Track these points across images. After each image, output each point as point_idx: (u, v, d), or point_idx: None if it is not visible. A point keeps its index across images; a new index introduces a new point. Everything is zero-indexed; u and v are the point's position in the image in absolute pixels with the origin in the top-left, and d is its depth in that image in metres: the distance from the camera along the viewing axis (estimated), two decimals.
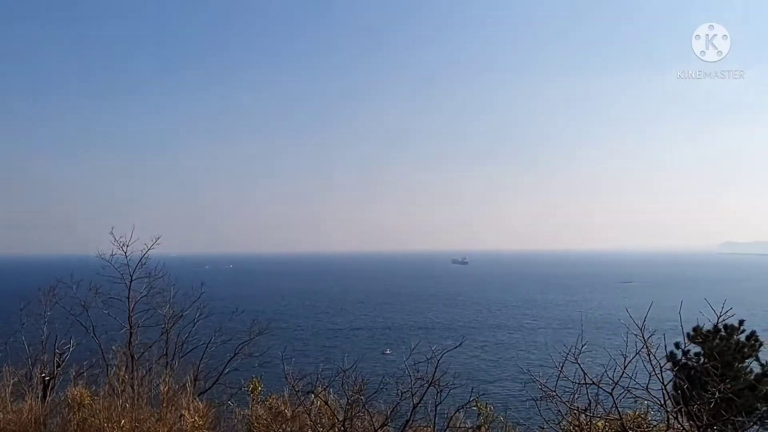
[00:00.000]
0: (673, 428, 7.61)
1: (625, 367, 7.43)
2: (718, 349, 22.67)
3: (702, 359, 22.90)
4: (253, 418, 11.71)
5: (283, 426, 10.94)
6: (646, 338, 7.38)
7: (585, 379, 7.47)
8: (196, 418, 11.60)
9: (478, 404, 11.09)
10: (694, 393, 23.43)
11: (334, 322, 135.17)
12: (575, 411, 7.77)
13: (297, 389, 11.13)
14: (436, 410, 9.03)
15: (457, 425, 11.32)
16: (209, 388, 14.60)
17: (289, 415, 11.32)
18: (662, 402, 7.22)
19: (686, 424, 8.08)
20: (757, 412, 22.75)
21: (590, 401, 7.69)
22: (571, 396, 7.81)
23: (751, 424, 22.94)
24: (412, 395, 8.82)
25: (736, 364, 22.35)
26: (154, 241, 15.58)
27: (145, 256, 15.50)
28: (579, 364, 7.61)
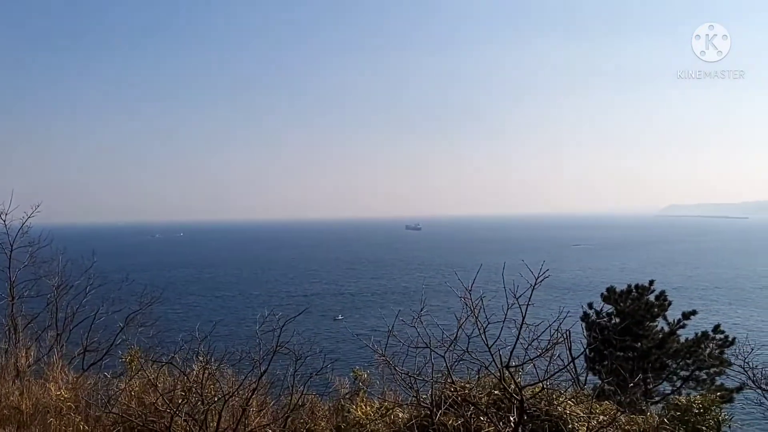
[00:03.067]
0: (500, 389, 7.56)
1: (457, 331, 7.33)
2: (630, 309, 23.23)
3: (613, 318, 23.49)
4: (126, 390, 11.36)
5: (154, 398, 10.60)
6: (473, 301, 7.27)
7: (417, 343, 7.36)
8: (62, 391, 11.20)
9: (355, 370, 11.03)
10: (606, 352, 24.08)
11: (285, 290, 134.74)
12: (404, 375, 7.69)
13: (179, 360, 10.82)
14: (293, 380, 8.86)
15: (339, 391, 11.22)
16: (99, 360, 14.15)
17: (160, 387, 10.96)
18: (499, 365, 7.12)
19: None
20: (668, 369, 23.45)
21: (425, 365, 7.60)
22: (403, 359, 7.75)
23: (662, 380, 23.67)
24: (258, 362, 8.61)
25: (647, 323, 22.91)
26: (34, 209, 14.93)
27: (26, 224, 14.83)
28: (415, 328, 7.50)
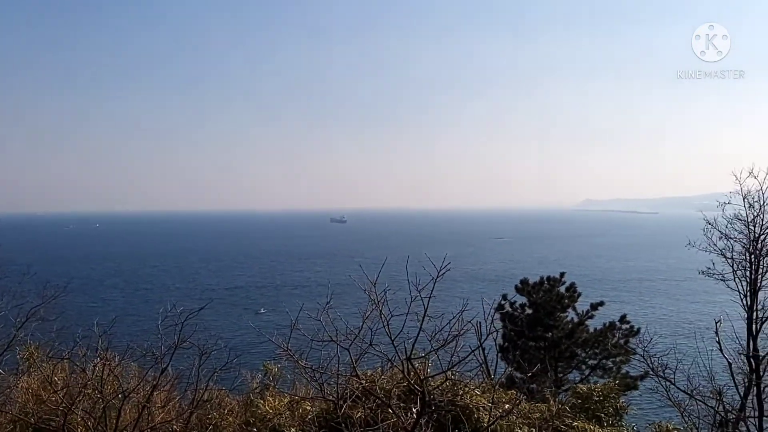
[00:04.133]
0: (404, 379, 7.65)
1: (362, 324, 7.36)
2: (542, 300, 23.92)
3: (526, 310, 24.14)
4: (23, 388, 10.87)
5: (54, 396, 10.18)
6: (377, 294, 7.31)
7: (323, 336, 7.34)
8: None
9: (265, 365, 10.94)
10: (519, 342, 24.69)
11: (207, 283, 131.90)
12: (308, 369, 7.68)
13: (82, 354, 10.43)
14: (198, 374, 8.67)
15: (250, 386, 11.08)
16: None
17: (60, 384, 10.55)
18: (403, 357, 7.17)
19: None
20: (577, 358, 24.31)
21: (331, 359, 7.60)
22: (308, 353, 7.73)
23: (571, 369, 24.51)
24: (160, 358, 8.39)
25: (557, 314, 23.65)
26: None
27: None
28: (321, 321, 7.47)
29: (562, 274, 24.24)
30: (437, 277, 7.11)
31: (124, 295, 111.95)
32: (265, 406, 9.39)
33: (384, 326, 7.13)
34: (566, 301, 23.60)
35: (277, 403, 9.61)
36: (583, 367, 23.72)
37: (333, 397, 7.85)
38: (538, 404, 10.75)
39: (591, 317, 23.64)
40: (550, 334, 23.38)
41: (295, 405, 9.31)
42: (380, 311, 7.19)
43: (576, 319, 23.52)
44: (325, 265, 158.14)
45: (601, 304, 24.03)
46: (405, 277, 7.51)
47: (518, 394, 10.39)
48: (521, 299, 24.41)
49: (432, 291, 7.20)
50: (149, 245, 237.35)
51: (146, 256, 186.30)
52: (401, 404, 7.92)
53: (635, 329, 23.13)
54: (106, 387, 9.78)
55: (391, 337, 7.05)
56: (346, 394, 7.84)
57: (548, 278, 24.10)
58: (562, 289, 23.75)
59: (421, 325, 7.03)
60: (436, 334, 7.56)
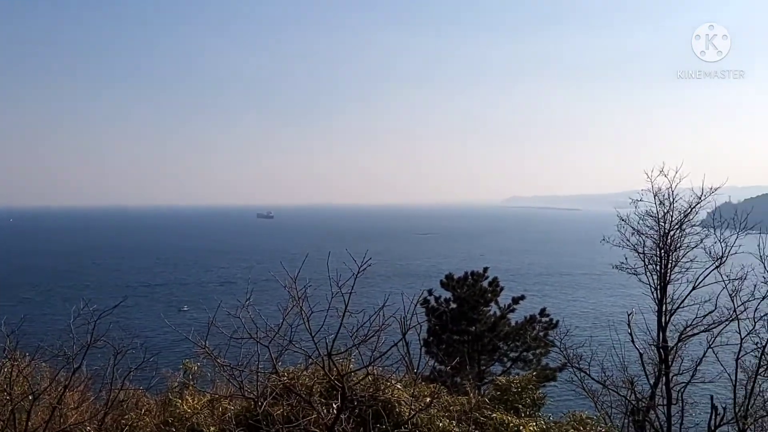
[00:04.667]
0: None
1: (282, 321, 7.30)
2: (466, 295, 24.34)
3: (451, 304, 24.52)
4: None
5: None
6: (298, 291, 7.27)
7: (243, 334, 7.25)
8: None
9: (185, 363, 10.72)
10: (443, 336, 25.01)
11: (128, 280, 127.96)
12: (227, 366, 7.58)
13: None
14: (114, 374, 8.40)
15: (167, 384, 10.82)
16: None
17: None
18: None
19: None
20: (500, 350, 24.87)
21: (252, 356, 7.51)
22: (224, 351, 7.64)
23: (494, 361, 25.06)
24: (72, 358, 8.09)
25: (481, 308, 24.12)
26: None
27: None
28: (240, 318, 7.36)
29: (485, 269, 24.75)
30: (358, 273, 7.12)
31: (39, 293, 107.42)
32: (183, 406, 9.19)
33: (304, 323, 7.10)
34: (489, 295, 24.10)
35: (196, 402, 9.43)
36: (505, 359, 24.30)
37: (253, 394, 7.76)
38: (459, 397, 10.93)
39: (512, 311, 24.24)
40: (474, 327, 23.84)
41: (214, 404, 9.16)
42: (300, 308, 7.14)
43: (498, 313, 24.06)
44: (252, 261, 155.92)
45: (522, 298, 24.67)
46: (327, 274, 7.49)
47: (439, 387, 10.53)
48: (446, 294, 24.78)
49: (353, 287, 7.21)
50: (69, 241, 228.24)
51: (65, 253, 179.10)
52: (322, 400, 7.91)
53: (554, 322, 23.87)
54: (14, 388, 9.37)
55: (311, 334, 7.02)
56: (266, 391, 7.76)
57: (472, 273, 24.55)
58: (486, 283, 24.25)
59: (342, 320, 7.03)
60: (357, 329, 7.57)
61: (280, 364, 8.12)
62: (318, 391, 8.32)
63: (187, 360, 10.80)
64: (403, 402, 8.73)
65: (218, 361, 7.68)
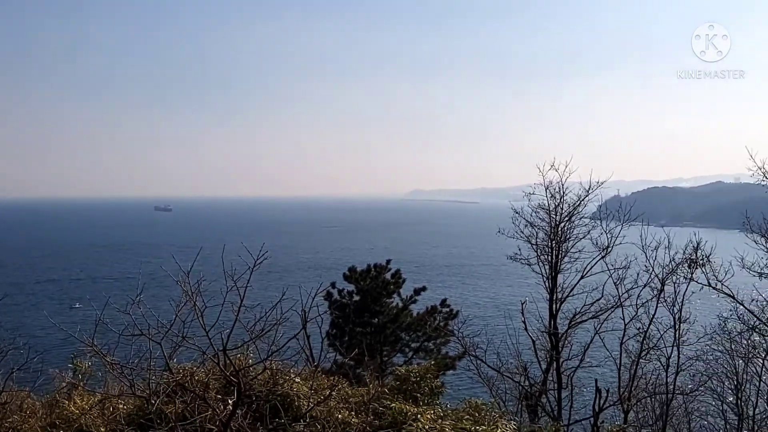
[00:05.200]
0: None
1: (176, 316, 7.11)
2: (369, 287, 24.52)
3: (354, 296, 24.64)
4: None
5: None
6: (191, 285, 7.10)
7: (134, 331, 7.00)
8: None
9: (75, 362, 10.23)
10: (346, 329, 25.09)
11: (16, 276, 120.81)
12: (116, 365, 7.32)
13: None
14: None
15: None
16: None
17: None
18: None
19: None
20: (402, 341, 25.22)
21: (144, 353, 7.29)
22: (114, 349, 7.38)
23: (396, 352, 25.40)
24: None
25: (383, 300, 24.37)
26: None
27: None
28: (131, 315, 7.11)
29: (388, 261, 24.99)
30: (254, 266, 7.02)
31: None
32: (71, 406, 8.76)
33: (198, 318, 6.93)
34: (392, 287, 24.37)
35: (85, 402, 9.00)
36: (407, 349, 24.68)
37: (145, 393, 7.50)
38: (359, 388, 11.00)
39: (414, 302, 24.63)
40: (377, 319, 24.07)
41: (105, 403, 8.78)
42: (194, 303, 6.97)
43: (401, 305, 24.37)
44: (149, 256, 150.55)
45: (424, 289, 25.12)
46: (222, 268, 7.35)
47: (339, 379, 10.55)
48: (350, 287, 24.86)
49: (249, 281, 7.11)
50: None
51: None
52: (218, 397, 7.75)
53: (454, 312, 24.41)
54: None
55: (205, 329, 6.86)
56: (159, 389, 7.53)
57: (375, 265, 24.73)
58: (389, 275, 24.50)
59: (237, 315, 6.91)
60: (254, 324, 7.47)
61: (174, 361, 7.90)
62: (214, 388, 8.14)
63: (77, 359, 10.30)
64: (301, 395, 8.69)
65: (107, 359, 7.38)
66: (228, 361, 7.06)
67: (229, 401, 7.41)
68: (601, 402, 14.67)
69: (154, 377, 7.54)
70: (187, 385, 7.49)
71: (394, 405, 9.32)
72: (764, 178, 14.71)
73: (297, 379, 9.04)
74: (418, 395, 10.64)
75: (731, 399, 18.57)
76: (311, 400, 8.27)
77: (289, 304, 7.72)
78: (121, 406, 8.78)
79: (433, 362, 13.15)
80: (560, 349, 15.83)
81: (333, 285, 24.79)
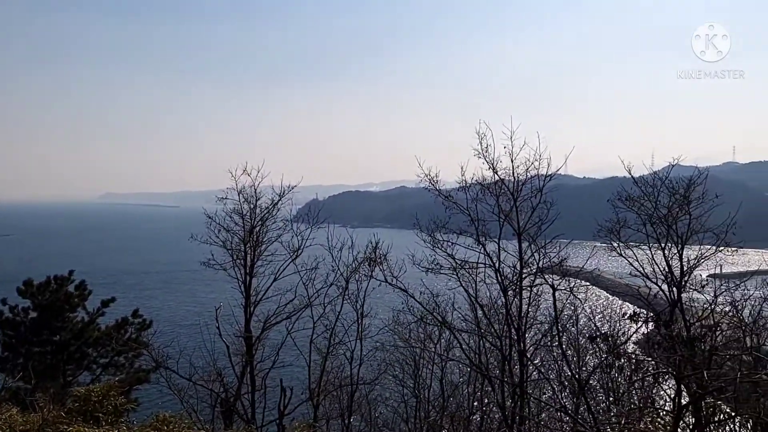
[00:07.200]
0: None
1: None
2: (48, 302, 22.36)
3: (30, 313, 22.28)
4: None
5: None
6: None
7: None
8: None
9: None
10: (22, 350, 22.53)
11: None
12: None
13: None
14: None
15: None
16: None
17: None
18: None
19: None
20: (89, 357, 23.38)
21: None
22: None
23: (82, 370, 23.48)
24: None
25: (66, 314, 22.41)
26: None
27: None
28: None
29: (71, 272, 23.02)
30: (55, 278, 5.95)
31: None
32: None
33: None
34: (76, 300, 22.50)
35: None
36: (95, 366, 22.98)
37: None
38: (32, 415, 10.00)
39: (102, 314, 23.03)
40: (58, 336, 22.02)
41: None
42: None
43: (87, 318, 22.63)
44: None
45: (113, 300, 23.62)
46: None
47: (9, 406, 9.51)
48: (25, 302, 22.38)
49: None
50: None
51: None
52: None
53: (148, 322, 23.37)
54: None
55: None
56: None
57: (56, 277, 22.60)
58: (72, 287, 22.58)
59: None
60: None
61: None
62: None
63: None
64: None
65: None
66: None
67: None
68: (286, 400, 15.29)
69: None
70: None
71: (71, 429, 8.69)
72: (429, 184, 16.57)
73: None
74: (101, 415, 10.02)
75: (411, 383, 20.76)
76: None
77: None
78: None
79: (117, 379, 12.46)
80: (254, 351, 16.12)
81: (4, 302, 22.12)
